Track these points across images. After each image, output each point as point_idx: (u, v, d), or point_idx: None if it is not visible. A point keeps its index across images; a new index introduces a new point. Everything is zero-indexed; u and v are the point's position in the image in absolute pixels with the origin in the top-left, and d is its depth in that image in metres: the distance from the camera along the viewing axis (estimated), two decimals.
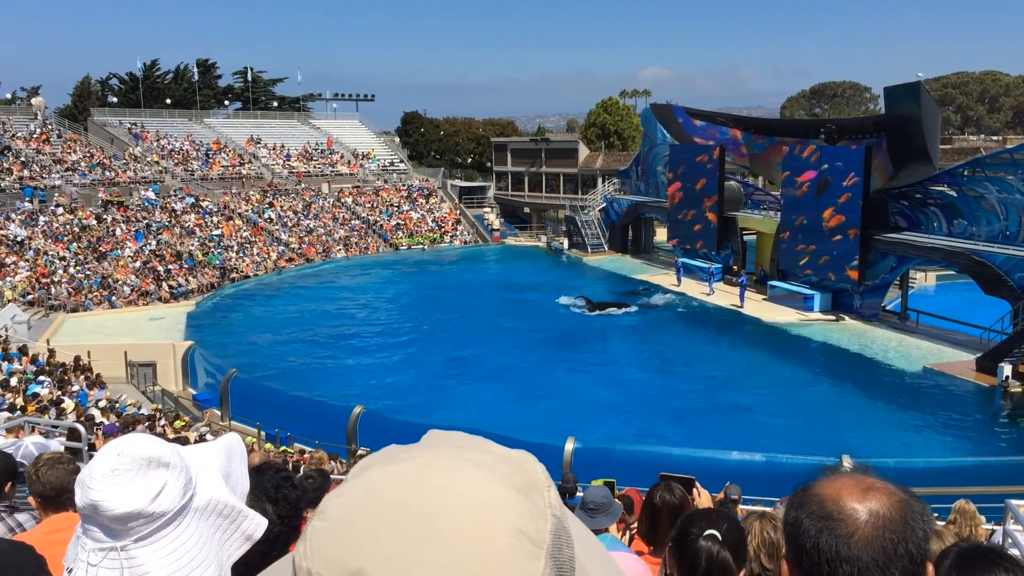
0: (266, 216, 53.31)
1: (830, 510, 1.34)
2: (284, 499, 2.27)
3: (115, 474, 1.31)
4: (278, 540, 2.07)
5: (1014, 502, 7.72)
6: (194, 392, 26.44)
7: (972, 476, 14.92)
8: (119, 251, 42.34)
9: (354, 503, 0.76)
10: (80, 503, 1.32)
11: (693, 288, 39.22)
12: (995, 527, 8.47)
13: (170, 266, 42.63)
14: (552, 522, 0.77)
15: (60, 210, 43.86)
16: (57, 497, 3.71)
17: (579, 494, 8.52)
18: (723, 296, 37.50)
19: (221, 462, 1.49)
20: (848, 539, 1.30)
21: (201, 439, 15.96)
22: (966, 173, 29.16)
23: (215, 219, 50.31)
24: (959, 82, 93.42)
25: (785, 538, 1.43)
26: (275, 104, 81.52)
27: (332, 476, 8.06)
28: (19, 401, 17.58)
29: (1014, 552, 6.31)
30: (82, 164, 50.33)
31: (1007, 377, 24.06)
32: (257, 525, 1.46)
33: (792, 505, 1.42)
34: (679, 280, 40.60)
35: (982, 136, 73.50)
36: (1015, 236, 26.87)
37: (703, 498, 4.09)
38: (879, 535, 1.30)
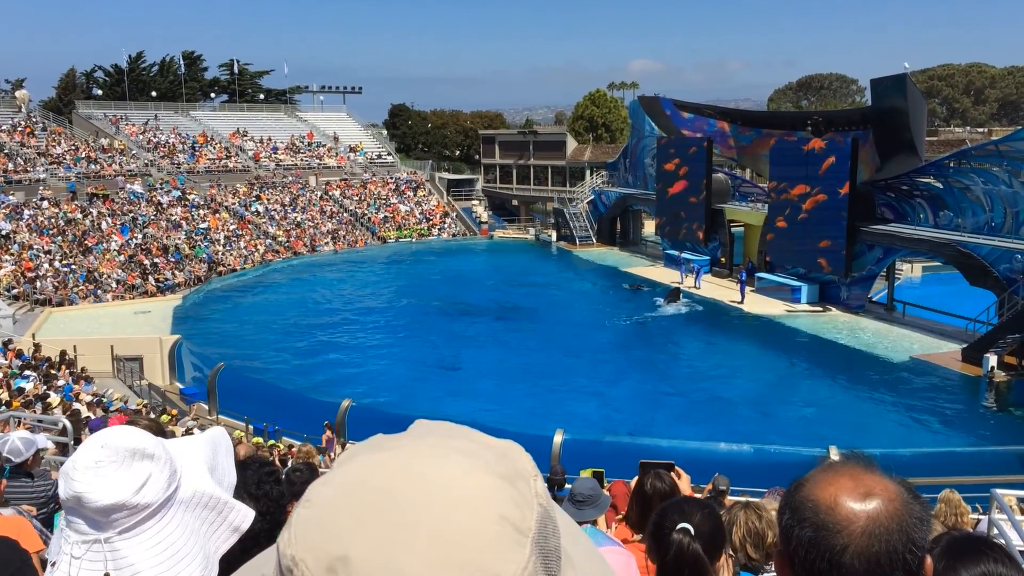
0: (253, 209, 53.09)
1: (824, 520, 1.30)
2: (266, 496, 2.25)
3: (99, 466, 1.31)
4: (259, 537, 2.06)
5: (1000, 491, 7.77)
6: (181, 386, 26.33)
7: (958, 465, 15.03)
8: (105, 245, 42.09)
9: (339, 491, 0.76)
10: (64, 495, 1.31)
11: (680, 281, 39.26)
12: (981, 516, 8.53)
13: (156, 260, 42.42)
14: (538, 511, 0.77)
15: (45, 204, 43.56)
16: None
17: (568, 486, 8.53)
18: (708, 288, 37.60)
19: (206, 455, 1.48)
20: (842, 551, 1.28)
21: (188, 434, 15.89)
22: (952, 165, 29.33)
23: (201, 212, 50.07)
24: (945, 74, 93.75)
25: (779, 537, 1.40)
26: (261, 97, 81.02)
27: (320, 470, 8.04)
28: (4, 395, 17.47)
29: (1000, 541, 6.36)
30: (67, 157, 49.97)
31: (992, 367, 24.23)
32: (244, 516, 1.45)
33: (786, 507, 1.38)
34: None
35: (968, 128, 73.84)
36: (1000, 227, 27.04)
37: (683, 481, 4.10)
38: (874, 545, 1.27)
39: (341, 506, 0.74)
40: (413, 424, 0.87)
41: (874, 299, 33.57)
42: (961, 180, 28.55)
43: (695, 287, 37.66)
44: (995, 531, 7.01)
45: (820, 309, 33.10)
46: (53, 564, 1.35)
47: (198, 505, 1.39)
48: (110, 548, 1.29)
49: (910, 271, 41.48)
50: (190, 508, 1.38)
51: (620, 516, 5.37)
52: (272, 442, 17.84)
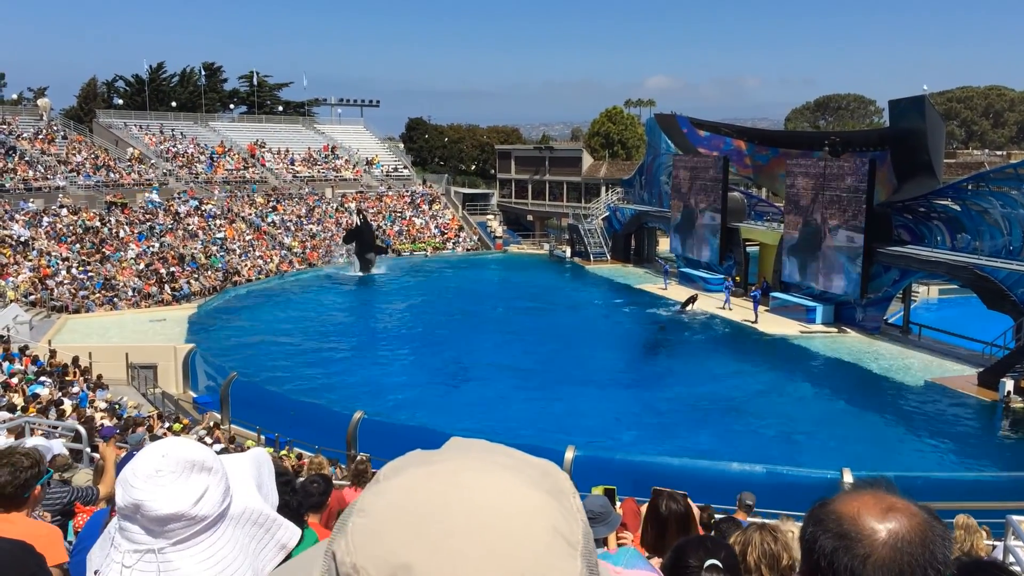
0: (269, 220, 53.36)
1: (847, 529, 1.32)
2: (285, 505, 2.27)
3: (159, 475, 1.33)
4: None
5: (1015, 518, 7.70)
6: (194, 395, 26.44)
7: (972, 491, 14.87)
8: (122, 253, 42.39)
9: (394, 501, 0.78)
10: (122, 502, 1.32)
11: (705, 303, 39.10)
12: (996, 543, 8.44)
13: (173, 268, 42.66)
14: (582, 525, 0.81)
15: (64, 211, 43.95)
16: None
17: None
18: (721, 308, 37.44)
19: (253, 472, 1.50)
20: (864, 560, 1.28)
21: (200, 443, 15.94)
22: (970, 187, 29.16)
23: (218, 222, 50.37)
24: (964, 96, 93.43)
25: (801, 553, 1.42)
26: (280, 109, 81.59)
27: (333, 482, 8.02)
28: (19, 401, 17.58)
29: (1016, 569, 6.29)
30: (87, 165, 50.44)
31: (1009, 392, 23.99)
32: (292, 534, 1.46)
33: (810, 520, 1.39)
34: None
35: (986, 151, 73.51)
36: (1018, 251, 26.84)
37: (694, 511, 4.09)
38: (896, 557, 1.27)
39: (398, 516, 0.76)
40: (449, 441, 0.90)
41: (890, 321, 33.33)
42: (979, 203, 28.39)
43: (725, 307, 37.18)
44: (1011, 558, 6.94)
45: (835, 330, 32.90)
46: (96, 572, 1.37)
47: (248, 521, 1.40)
48: (163, 559, 1.30)
49: (927, 293, 41.20)
50: (240, 524, 1.39)
51: (626, 537, 5.33)
52: (283, 452, 17.86)
